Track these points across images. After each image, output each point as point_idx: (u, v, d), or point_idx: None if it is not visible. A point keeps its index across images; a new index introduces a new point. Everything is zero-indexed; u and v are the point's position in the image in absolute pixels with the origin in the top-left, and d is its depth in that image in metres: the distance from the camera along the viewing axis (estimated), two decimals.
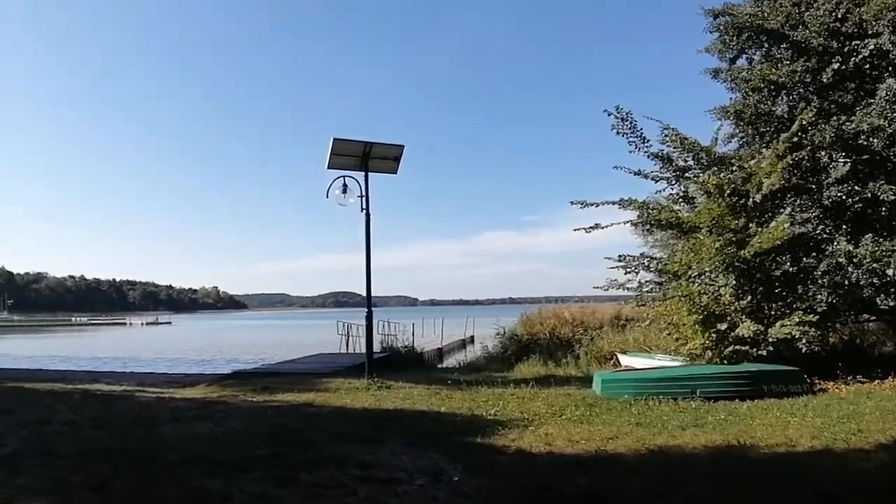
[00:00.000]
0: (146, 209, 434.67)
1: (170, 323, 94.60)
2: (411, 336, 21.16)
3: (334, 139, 10.44)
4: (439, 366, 18.71)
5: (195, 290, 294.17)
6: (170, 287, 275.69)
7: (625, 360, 15.43)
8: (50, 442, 5.72)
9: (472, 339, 33.16)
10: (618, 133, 11.67)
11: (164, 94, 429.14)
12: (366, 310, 11.18)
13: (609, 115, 11.60)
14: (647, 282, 12.84)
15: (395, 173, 11.30)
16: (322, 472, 4.74)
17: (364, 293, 11.24)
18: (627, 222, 12.19)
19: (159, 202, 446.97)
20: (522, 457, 5.64)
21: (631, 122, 11.57)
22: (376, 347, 20.79)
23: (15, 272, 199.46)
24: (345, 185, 10.80)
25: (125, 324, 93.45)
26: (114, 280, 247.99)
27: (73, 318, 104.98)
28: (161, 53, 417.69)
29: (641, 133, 11.65)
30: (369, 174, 10.78)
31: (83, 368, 20.21)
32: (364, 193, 10.70)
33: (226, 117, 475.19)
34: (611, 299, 21.43)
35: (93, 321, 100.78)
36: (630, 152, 11.85)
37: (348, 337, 20.45)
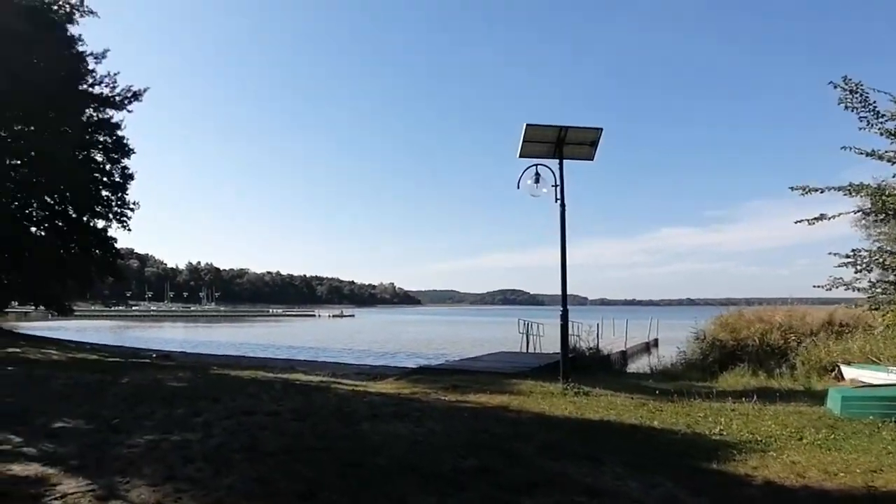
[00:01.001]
0: (334, 211, 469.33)
1: (353, 316, 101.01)
2: (596, 337, 20.01)
3: (527, 125, 9.80)
4: (627, 370, 17.39)
5: (374, 286, 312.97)
6: (352, 283, 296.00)
7: (850, 372, 13.21)
8: (254, 435, 5.65)
9: (655, 343, 31.14)
10: (846, 107, 9.66)
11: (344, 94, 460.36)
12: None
13: (835, 87, 9.66)
14: (880, 282, 10.66)
15: (592, 160, 10.41)
16: (544, 498, 4.06)
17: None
18: (858, 211, 10.20)
19: (344, 205, 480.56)
20: (774, 490, 4.64)
21: (862, 95, 9.53)
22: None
23: (221, 268, 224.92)
24: (537, 173, 10.13)
25: (314, 315, 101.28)
26: (304, 276, 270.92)
27: (270, 310, 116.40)
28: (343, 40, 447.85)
29: (875, 107, 9.56)
30: (564, 161, 10.00)
31: (280, 356, 21.65)
32: (559, 182, 9.95)
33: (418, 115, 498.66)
34: (822, 302, 18.81)
35: (286, 312, 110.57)
36: (860, 129, 9.78)
37: (528, 335, 19.83)
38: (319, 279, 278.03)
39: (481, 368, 12.97)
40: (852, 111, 9.77)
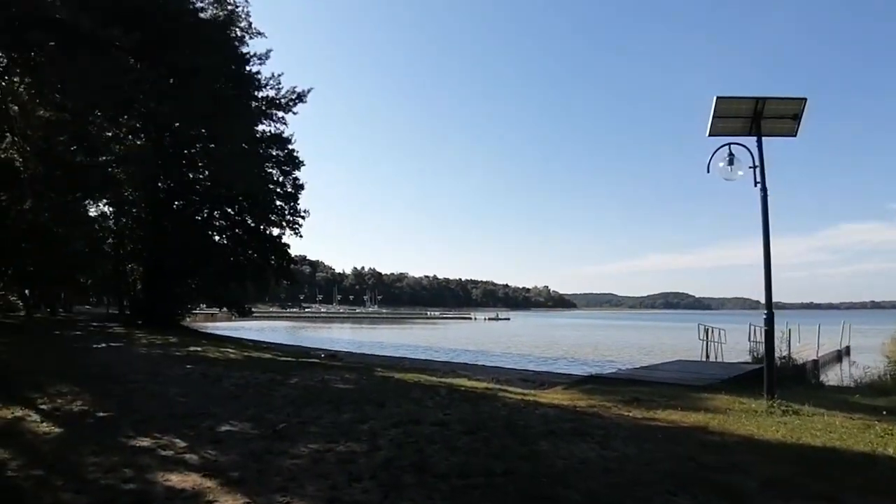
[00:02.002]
0: (487, 216, 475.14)
1: (508, 319, 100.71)
2: (787, 345, 17.63)
3: (718, 98, 8.44)
4: (824, 382, 14.88)
5: (528, 290, 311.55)
6: (506, 286, 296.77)
7: None
8: (423, 450, 5.07)
9: (847, 351, 27.29)
10: None
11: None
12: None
13: None
14: None
15: (795, 135, 8.76)
16: None
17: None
18: None
19: (499, 208, 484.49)
20: None
21: None
22: (745, 356, 18.03)
23: (383, 273, 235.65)
24: (731, 153, 8.72)
25: (470, 318, 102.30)
26: (460, 279, 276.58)
27: (428, 312, 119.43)
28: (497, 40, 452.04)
29: None
30: (763, 138, 8.52)
31: (439, 359, 21.46)
32: (758, 163, 8.47)
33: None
34: None
35: (443, 315, 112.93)
36: None
37: (707, 342, 17.90)
38: (474, 283, 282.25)
39: (661, 379, 11.62)
40: None
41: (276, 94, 26.73)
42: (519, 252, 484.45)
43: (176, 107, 21.32)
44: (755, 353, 16.77)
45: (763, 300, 8.58)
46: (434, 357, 22.60)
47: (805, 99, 8.48)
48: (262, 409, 6.98)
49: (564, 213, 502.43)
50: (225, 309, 34.04)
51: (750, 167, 8.55)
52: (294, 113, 27.31)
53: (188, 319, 33.17)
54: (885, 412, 8.13)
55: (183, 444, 4.95)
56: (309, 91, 27.15)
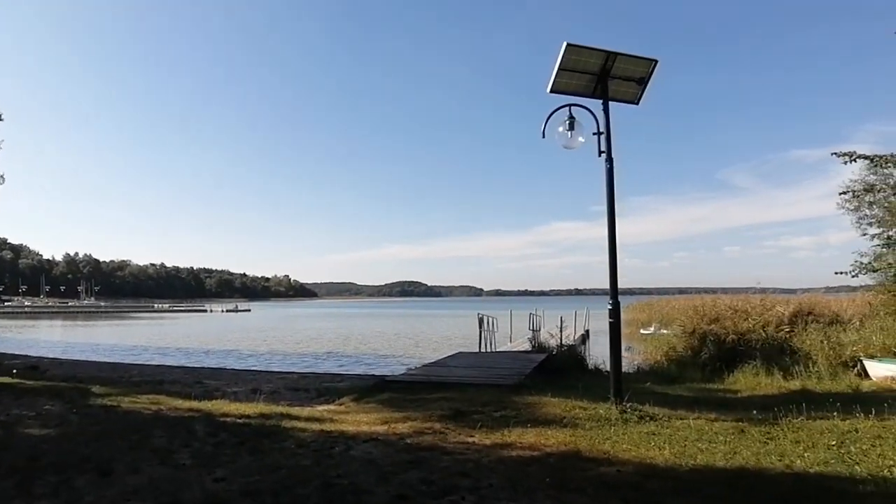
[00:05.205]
0: (220, 200, 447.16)
1: (249, 310, 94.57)
2: (559, 331, 17.64)
3: (568, 45, 6.94)
4: (602, 368, 14.80)
5: (268, 279, 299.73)
6: (244, 275, 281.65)
7: (875, 368, 11.58)
8: None
9: (587, 335, 29.50)
10: None
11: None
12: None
13: None
14: None
15: (637, 103, 7.70)
16: None
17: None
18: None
19: (232, 193, 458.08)
20: None
21: None
22: (524, 345, 17.64)
23: (101, 260, 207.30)
24: (571, 116, 7.36)
25: (206, 311, 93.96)
26: (192, 268, 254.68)
27: (155, 305, 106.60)
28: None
29: None
30: (609, 103, 7.29)
31: (180, 364, 17.73)
32: (604, 129, 7.20)
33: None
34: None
35: (174, 307, 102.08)
36: None
37: (481, 331, 17.09)
38: (208, 271, 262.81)
39: (465, 379, 10.12)
40: None
41: None
42: (258, 240, 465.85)
43: None
44: (533, 342, 16.41)
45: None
46: (170, 362, 18.56)
47: (656, 60, 7.41)
48: None
49: (303, 201, 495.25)
50: None
51: (595, 133, 7.27)
52: None
53: None
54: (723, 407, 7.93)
55: None
56: None
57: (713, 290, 19.22)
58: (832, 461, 5.00)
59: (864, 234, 15.25)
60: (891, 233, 12.09)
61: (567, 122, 7.36)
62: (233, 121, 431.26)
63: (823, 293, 21.24)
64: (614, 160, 7.20)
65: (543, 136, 7.47)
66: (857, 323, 14.11)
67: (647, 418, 6.75)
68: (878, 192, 10.03)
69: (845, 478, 4.61)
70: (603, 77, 7.27)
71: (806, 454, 5.22)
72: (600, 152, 7.20)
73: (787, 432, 6.07)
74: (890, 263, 9.17)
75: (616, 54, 7.18)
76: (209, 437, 5.85)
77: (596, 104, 7.38)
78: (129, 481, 4.36)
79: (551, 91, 7.33)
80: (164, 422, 6.66)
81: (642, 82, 7.55)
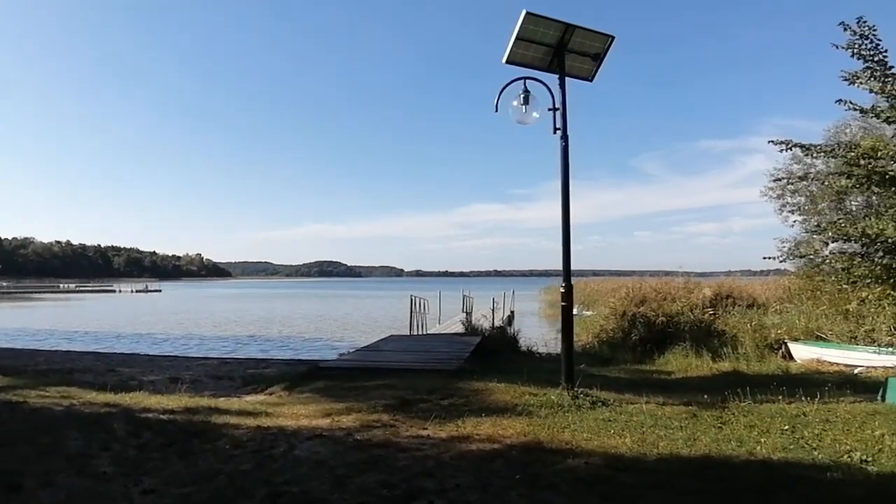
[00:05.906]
0: (128, 174, 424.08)
1: (160, 290, 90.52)
2: (491, 313, 17.53)
3: (527, 14, 6.57)
4: (534, 350, 14.68)
5: (179, 257, 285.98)
6: (153, 253, 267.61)
7: (802, 350, 12.04)
8: None
9: (512, 315, 29.65)
10: (855, 55, 7.66)
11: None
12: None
13: (846, 29, 7.59)
14: (840, 254, 9.21)
15: (592, 80, 7.43)
16: None
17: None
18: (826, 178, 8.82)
19: (140, 167, 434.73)
20: None
21: (874, 42, 7.57)
22: (457, 327, 17.36)
23: (2, 237, 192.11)
24: (526, 90, 7.03)
25: (114, 291, 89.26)
26: (99, 246, 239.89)
27: (61, 285, 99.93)
28: None
29: (885, 58, 7.63)
30: (566, 78, 6.99)
31: (90, 349, 16.42)
32: (558, 105, 6.90)
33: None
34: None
35: (80, 287, 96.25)
36: (848, 84, 7.81)
37: (412, 313, 16.71)
38: (116, 249, 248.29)
39: (403, 364, 9.75)
40: (862, 60, 7.75)
41: None
42: (168, 217, 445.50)
43: None
44: (465, 323, 16.21)
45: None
46: (79, 348, 17.16)
47: (613, 37, 7.16)
48: None
49: (213, 178, 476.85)
50: None
51: (551, 109, 6.96)
52: None
53: None
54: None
55: None
56: None
57: (628, 274, 19.64)
58: (791, 447, 4.97)
59: (786, 221, 15.93)
60: (814, 220, 12.58)
61: (522, 95, 7.03)
62: (143, 94, 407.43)
63: (724, 277, 22.05)
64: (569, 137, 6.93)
65: (496, 110, 7.12)
66: (777, 306, 14.71)
67: (600, 404, 6.60)
68: (812, 179, 10.28)
69: (809, 465, 4.56)
70: (560, 50, 6.96)
71: (763, 440, 5.18)
72: (555, 129, 6.93)
73: (739, 416, 6.08)
74: (816, 249, 9.40)
75: (574, 27, 6.88)
76: (131, 438, 5.17)
77: (551, 79, 7.07)
78: (41, 497, 3.70)
79: (507, 62, 6.96)
80: (78, 420, 5.89)
81: (598, 58, 7.30)
